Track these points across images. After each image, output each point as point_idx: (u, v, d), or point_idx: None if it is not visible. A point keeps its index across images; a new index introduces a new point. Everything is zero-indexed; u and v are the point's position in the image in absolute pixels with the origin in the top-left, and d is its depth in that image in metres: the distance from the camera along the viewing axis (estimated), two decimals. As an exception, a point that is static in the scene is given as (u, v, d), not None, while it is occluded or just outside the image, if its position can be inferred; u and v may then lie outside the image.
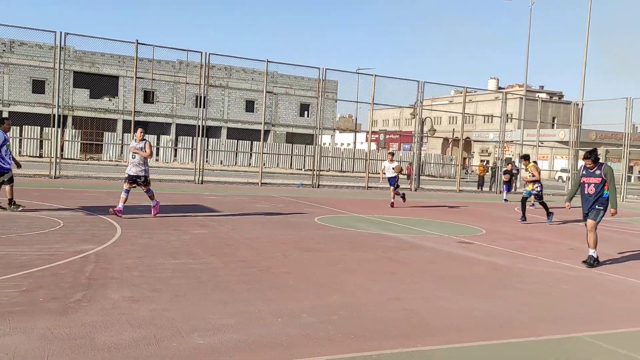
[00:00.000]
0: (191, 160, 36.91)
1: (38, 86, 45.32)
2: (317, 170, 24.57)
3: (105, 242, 7.92)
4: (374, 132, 37.09)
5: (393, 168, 16.44)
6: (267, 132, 53.38)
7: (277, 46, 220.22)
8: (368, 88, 25.13)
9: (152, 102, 48.15)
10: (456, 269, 7.68)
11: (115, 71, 47.44)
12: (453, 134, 42.71)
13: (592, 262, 8.26)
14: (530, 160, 14.97)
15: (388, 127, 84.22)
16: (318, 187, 24.08)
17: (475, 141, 58.17)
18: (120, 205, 10.49)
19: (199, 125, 22.35)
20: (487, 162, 59.53)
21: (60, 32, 19.55)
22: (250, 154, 43.10)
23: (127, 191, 10.67)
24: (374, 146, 65.45)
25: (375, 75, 24.94)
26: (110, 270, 6.29)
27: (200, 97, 22.92)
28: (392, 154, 17.50)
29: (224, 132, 52.08)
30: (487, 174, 32.86)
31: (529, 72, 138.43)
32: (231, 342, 4.26)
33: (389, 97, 31.18)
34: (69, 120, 44.46)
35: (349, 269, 7.27)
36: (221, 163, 42.67)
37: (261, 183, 23.11)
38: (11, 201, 10.49)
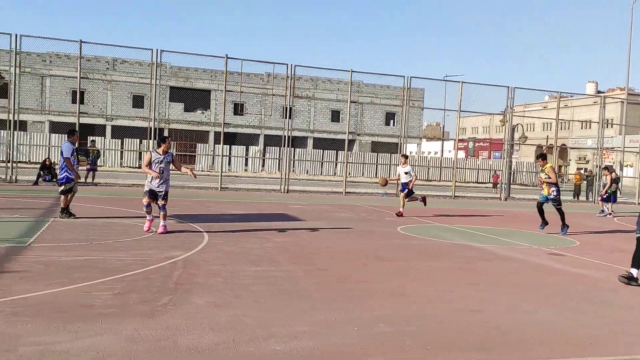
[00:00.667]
0: (278, 169, 37.74)
1: (138, 101, 48.21)
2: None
3: (193, 249, 8.27)
4: (462, 140, 36.34)
5: (406, 173, 15.13)
6: (352, 141, 53.62)
7: (363, 55, 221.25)
8: (456, 95, 24.65)
9: (242, 114, 49.81)
10: (544, 282, 7.32)
11: (207, 85, 49.55)
12: (547, 141, 40.82)
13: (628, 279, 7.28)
14: (549, 161, 13.33)
15: (477, 135, 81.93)
16: (403, 196, 23.77)
17: (571, 148, 55.30)
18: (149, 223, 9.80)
19: (285, 136, 22.83)
20: (585, 170, 56.38)
21: (157, 50, 20.74)
22: (336, 164, 43.43)
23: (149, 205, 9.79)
24: (462, 154, 63.94)
25: (462, 82, 24.42)
26: (196, 276, 6.55)
27: (286, 108, 23.42)
28: (406, 157, 15.84)
29: (310, 142, 52.86)
30: (583, 182, 31.11)
31: (631, 75, 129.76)
32: (306, 350, 4.31)
33: (478, 104, 30.46)
34: (165, 133, 46.91)
35: (429, 279, 7.13)
36: (307, 172, 43.31)
37: (345, 192, 23.21)
38: (64, 210, 10.92)
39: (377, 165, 44.84)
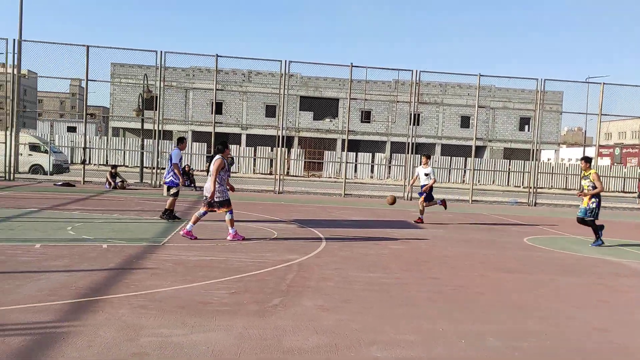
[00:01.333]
0: (404, 177, 37.48)
1: (270, 111, 50.43)
2: (535, 188, 22.99)
3: (309, 253, 8.48)
4: (605, 147, 33.47)
5: (426, 174, 13.57)
6: (482, 148, 51.70)
7: (495, 58, 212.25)
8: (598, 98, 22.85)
9: (369, 121, 50.16)
10: (690, 304, 6.53)
11: (335, 94, 50.56)
12: None
13: None
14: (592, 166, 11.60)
15: (625, 140, 75.07)
16: (535, 205, 22.49)
17: None
18: (232, 230, 9.40)
19: (409, 142, 22.62)
20: None
21: (286, 61, 21.61)
22: (464, 171, 42.14)
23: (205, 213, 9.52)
24: (607, 161, 58.92)
25: (604, 84, 22.55)
26: (308, 279, 6.71)
27: (411, 115, 23.19)
28: (428, 157, 14.14)
29: (437, 148, 51.80)
30: None
31: None
32: (408, 358, 4.24)
33: (625, 107, 28.13)
34: (295, 141, 48.60)
35: (552, 293, 6.67)
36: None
37: (472, 200, 22.43)
38: (168, 212, 11.54)
39: (509, 173, 42.81)
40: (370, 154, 43.32)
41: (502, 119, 53.31)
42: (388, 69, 23.88)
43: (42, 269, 6.51)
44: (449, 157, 43.95)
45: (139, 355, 4.02)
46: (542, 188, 32.57)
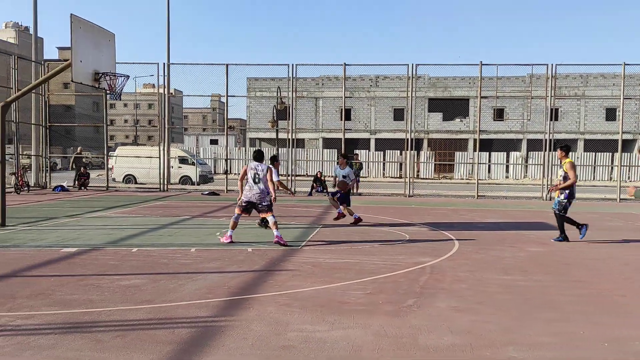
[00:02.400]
0: (543, 176, 35.59)
1: (398, 114, 50.42)
2: (695, 183, 20.77)
3: (442, 255, 8.55)
4: None
5: (344, 176, 12.44)
6: (632, 141, 47.47)
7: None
8: None
9: (502, 119, 48.25)
10: None
11: (465, 93, 49.33)
12: None
13: None
14: (569, 155, 10.11)
15: None
16: (696, 203, 20.31)
17: None
18: (229, 232, 9.54)
19: (545, 139, 21.56)
20: None
21: (412, 64, 21.66)
22: (611, 167, 39.01)
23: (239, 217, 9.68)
24: None
25: None
26: (441, 281, 6.82)
27: (548, 110, 22.09)
28: (345, 157, 13.12)
29: (580, 144, 48.45)
30: None
31: None
32: (545, 360, 4.24)
33: None
34: (424, 143, 48.12)
35: None
36: (577, 178, 39.73)
37: (620, 199, 20.81)
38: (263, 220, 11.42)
39: (665, 168, 38.90)
40: (505, 153, 41.65)
41: (654, 109, 48.54)
42: (520, 64, 23.01)
43: (199, 270, 7.28)
44: (593, 153, 40.98)
45: (287, 348, 4.44)
46: None
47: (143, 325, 4.93)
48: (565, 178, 9.85)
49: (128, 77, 11.07)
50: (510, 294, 6.24)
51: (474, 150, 42.42)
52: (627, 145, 45.82)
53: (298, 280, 6.80)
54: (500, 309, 5.64)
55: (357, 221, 12.30)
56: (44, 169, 23.07)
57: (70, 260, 7.86)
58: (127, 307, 5.46)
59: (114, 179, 26.27)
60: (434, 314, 5.43)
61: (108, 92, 10.92)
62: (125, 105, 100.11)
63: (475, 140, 46.00)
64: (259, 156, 9.71)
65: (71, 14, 9.84)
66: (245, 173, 9.58)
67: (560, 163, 10.30)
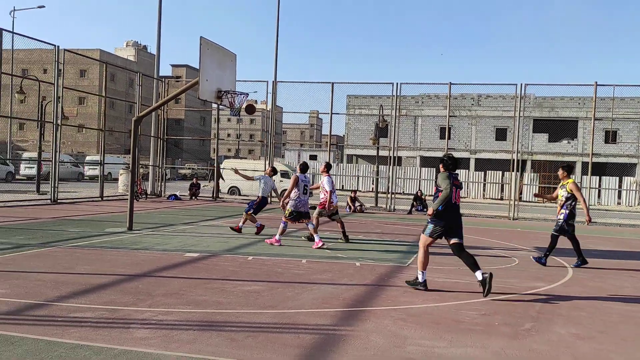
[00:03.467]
0: (660, 203, 33.11)
1: (500, 134, 49.06)
2: None
3: (556, 281, 8.32)
4: None
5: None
6: None
7: None
8: None
9: (615, 142, 45.54)
10: None
11: (574, 113, 47.13)
12: None
13: None
14: (571, 175, 9.85)
15: None
16: None
17: None
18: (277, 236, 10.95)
19: (667, 166, 20.16)
20: None
21: (522, 84, 21.15)
22: None
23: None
24: None
25: None
26: (558, 307, 6.67)
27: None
28: (273, 170, 12.98)
29: None
30: None
31: None
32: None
33: None
34: (528, 165, 46.36)
35: None
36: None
37: None
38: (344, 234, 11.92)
39: None
40: (617, 178, 39.21)
41: None
42: (637, 85, 21.71)
43: (312, 280, 7.61)
44: None
45: (408, 360, 4.59)
46: None
47: (270, 328, 5.28)
48: (568, 199, 9.62)
49: (247, 94, 11.77)
50: (635, 325, 6.00)
51: (583, 173, 40.35)
52: None
53: (409, 296, 6.92)
54: (624, 338, 5.46)
55: (260, 229, 12.40)
56: (160, 178, 24.76)
57: (194, 264, 8.48)
58: (253, 311, 5.85)
59: (219, 191, 27.61)
60: (554, 339, 5.36)
61: (229, 108, 11.67)
62: (228, 120, 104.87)
63: (583, 163, 43.82)
64: (305, 168, 11.22)
65: (201, 37, 10.68)
66: (295, 184, 10.80)
67: (560, 182, 9.94)
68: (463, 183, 26.50)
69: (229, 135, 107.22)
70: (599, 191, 37.31)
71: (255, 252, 9.82)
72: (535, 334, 5.52)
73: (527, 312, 6.39)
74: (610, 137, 45.21)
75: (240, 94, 11.63)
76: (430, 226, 7.30)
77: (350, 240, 11.87)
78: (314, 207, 11.74)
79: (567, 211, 9.62)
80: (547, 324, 5.88)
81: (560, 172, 9.95)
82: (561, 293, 7.50)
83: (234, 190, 28.99)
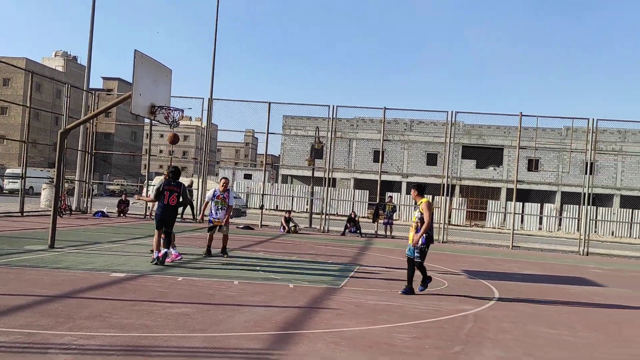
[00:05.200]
0: (577, 230, 34.98)
1: (431, 159, 50.53)
2: None
3: (483, 304, 8.53)
4: None
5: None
6: (671, 200, 46.44)
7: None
8: None
9: (537, 170, 47.85)
10: None
11: (500, 141, 49.23)
12: None
13: None
14: (425, 195, 9.16)
15: None
16: None
17: None
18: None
19: (584, 193, 21.36)
20: None
21: (452, 112, 21.89)
22: (649, 225, 38.11)
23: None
24: None
25: None
26: (486, 330, 6.82)
27: (587, 163, 21.94)
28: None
29: (616, 200, 47.63)
30: None
31: None
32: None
33: None
34: (457, 189, 47.88)
35: None
36: (612, 234, 38.94)
37: (660, 258, 20.32)
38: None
39: None
40: (539, 204, 41.14)
41: (698, 168, 47.59)
42: (561, 117, 23.04)
43: (244, 302, 7.43)
44: (630, 210, 40.16)
45: (341, 385, 4.52)
46: None
47: (200, 353, 5.08)
48: (422, 220, 8.84)
49: (183, 110, 11.52)
50: (558, 349, 6.21)
51: (507, 199, 42.11)
52: (666, 204, 44.80)
53: (343, 319, 6.89)
54: (548, 362, 5.63)
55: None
56: (86, 194, 23.74)
57: (120, 285, 8.10)
58: (182, 334, 5.63)
59: (149, 208, 26.80)
60: (482, 362, 5.46)
61: (164, 123, 11.37)
62: (161, 135, 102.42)
63: (508, 189, 45.74)
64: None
65: (135, 50, 10.39)
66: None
67: (415, 204, 9.23)
68: (396, 206, 26.94)
69: (161, 151, 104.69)
70: (522, 217, 38.96)
71: (186, 273, 9.52)
72: (464, 356, 5.60)
73: (456, 335, 6.49)
74: (533, 165, 47.51)
75: (175, 110, 11.37)
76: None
77: (283, 261, 11.77)
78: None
79: (426, 235, 8.88)
80: (476, 347, 5.99)
81: (412, 192, 9.26)
82: (489, 316, 7.69)
83: None
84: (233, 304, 7.33)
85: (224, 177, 12.10)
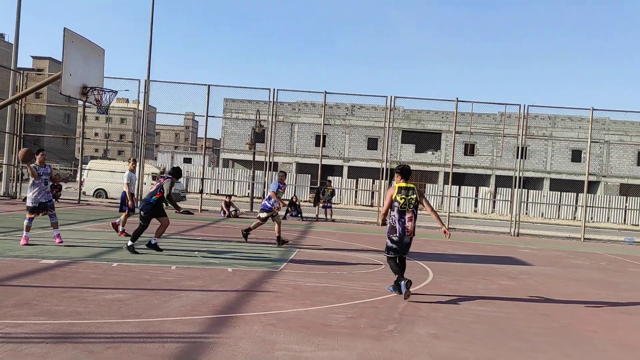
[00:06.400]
0: (510, 212, 36.48)
1: (372, 143, 51.21)
2: (654, 227, 21.65)
3: (418, 284, 8.80)
4: None
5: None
6: (596, 183, 49.11)
7: (608, 94, 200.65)
8: None
9: (472, 155, 49.39)
10: None
11: (438, 127, 50.43)
12: None
13: None
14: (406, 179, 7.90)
15: None
16: (655, 245, 21.15)
17: None
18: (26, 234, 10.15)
19: (515, 177, 22.26)
20: None
21: (391, 96, 22.20)
22: (575, 207, 40.23)
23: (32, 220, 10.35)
24: None
25: None
26: (419, 309, 7.06)
27: (519, 148, 22.85)
28: (135, 161, 13.08)
29: (546, 183, 49.89)
30: None
31: None
32: (521, 387, 4.48)
33: None
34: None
35: (672, 337, 6.53)
36: (542, 216, 40.87)
37: (584, 238, 21.52)
38: (278, 238, 12.61)
39: (626, 210, 40.38)
40: (474, 187, 42.55)
41: (617, 153, 50.43)
42: (494, 103, 23.91)
43: (181, 287, 7.37)
44: (559, 193, 42.21)
45: (276, 365, 4.59)
46: (663, 227, 30.40)
47: (133, 339, 5.02)
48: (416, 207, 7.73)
49: (116, 92, 11.17)
50: (485, 324, 6.51)
51: (445, 183, 43.29)
52: (592, 187, 47.33)
53: (280, 301, 6.95)
54: (476, 337, 5.90)
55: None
56: (15, 178, 22.71)
57: (50, 271, 7.85)
58: (115, 320, 5.54)
59: (84, 193, 25.97)
60: (414, 339, 5.66)
61: (95, 105, 10.98)
62: (96, 118, 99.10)
63: (446, 173, 47.01)
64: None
65: (65, 28, 9.95)
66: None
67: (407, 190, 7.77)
68: (336, 190, 27.14)
69: (96, 134, 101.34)
70: (459, 199, 40.21)
71: (121, 258, 9.32)
72: (397, 335, 5.79)
73: (390, 314, 6.68)
74: (469, 149, 49.01)
75: (109, 92, 11.01)
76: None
77: (223, 245, 11.72)
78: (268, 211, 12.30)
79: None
80: (409, 325, 6.20)
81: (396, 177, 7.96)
82: (422, 295, 7.95)
83: (100, 193, 27.39)
84: (169, 288, 7.25)
85: (282, 171, 12.72)
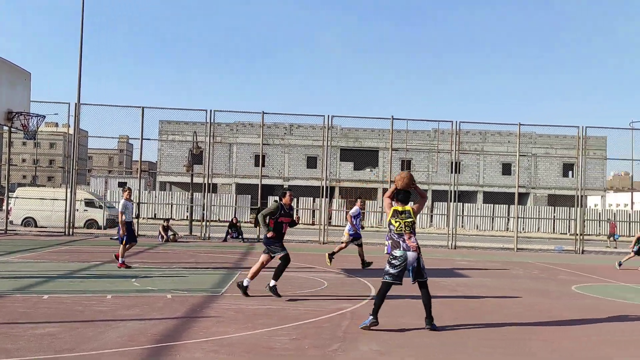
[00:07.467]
0: (446, 225, 37.45)
1: (311, 162, 51.47)
2: (581, 235, 22.77)
3: (361, 301, 8.85)
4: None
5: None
6: (525, 195, 51.19)
7: (535, 107, 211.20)
8: None
9: (409, 170, 50.52)
10: None
11: (375, 144, 51.33)
12: None
13: None
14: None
15: (675, 184, 72.76)
16: (582, 252, 22.22)
17: None
18: None
19: (451, 191, 22.91)
20: None
21: (328, 115, 22.46)
22: (508, 218, 41.79)
23: None
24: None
25: (647, 128, 22.52)
26: (362, 326, 7.07)
27: (453, 163, 23.58)
28: (130, 190, 12.94)
29: (479, 196, 51.58)
30: None
31: None
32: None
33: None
34: (336, 191, 49.23)
35: (607, 342, 6.83)
36: (477, 228, 42.18)
37: (517, 248, 22.34)
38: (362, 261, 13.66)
39: (554, 220, 42.28)
40: (412, 202, 43.40)
41: (544, 166, 52.86)
42: (428, 120, 24.71)
43: (117, 317, 7.09)
44: (492, 205, 43.72)
45: (219, 393, 4.46)
46: (589, 235, 32.01)
47: (66, 375, 4.77)
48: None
49: (44, 117, 10.73)
50: (427, 337, 6.60)
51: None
52: (522, 198, 49.33)
53: (222, 326, 6.81)
54: (419, 352, 5.96)
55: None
56: None
57: (-26, 308, 7.37)
58: (47, 356, 5.25)
59: (11, 222, 24.72)
60: (358, 357, 5.66)
61: (22, 131, 10.51)
62: (24, 143, 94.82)
63: (384, 189, 47.76)
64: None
65: (-13, 50, 9.51)
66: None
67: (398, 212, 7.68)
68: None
69: (24, 160, 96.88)
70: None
71: (52, 290, 8.88)
72: (342, 353, 5.77)
73: (334, 333, 6.67)
74: (405, 165, 50.06)
75: (36, 116, 10.56)
76: None
77: (161, 271, 11.39)
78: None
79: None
80: (353, 343, 6.20)
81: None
82: (366, 312, 7.92)
83: (29, 222, 26.14)
84: (105, 319, 6.96)
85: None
